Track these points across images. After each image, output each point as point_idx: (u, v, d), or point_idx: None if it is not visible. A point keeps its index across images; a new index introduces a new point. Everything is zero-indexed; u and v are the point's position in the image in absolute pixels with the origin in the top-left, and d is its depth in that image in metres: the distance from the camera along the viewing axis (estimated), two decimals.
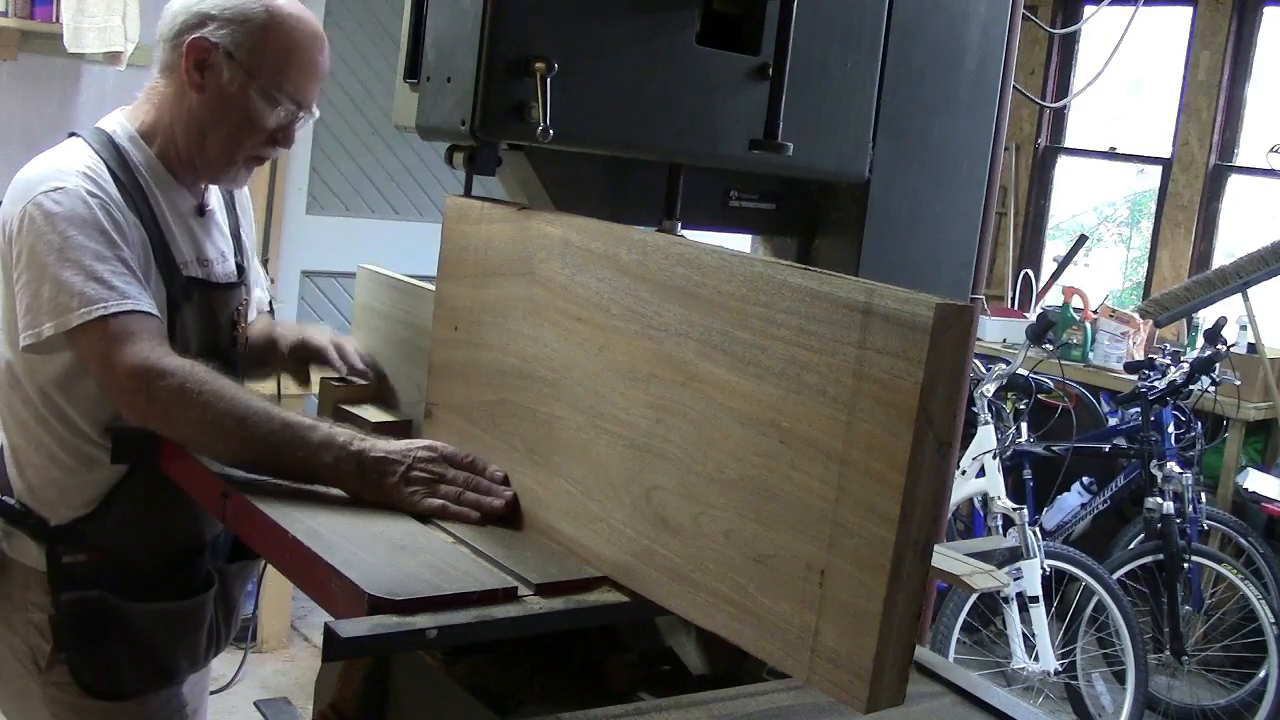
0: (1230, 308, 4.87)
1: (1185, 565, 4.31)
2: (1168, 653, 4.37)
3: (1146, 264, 6.13)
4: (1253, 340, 4.93)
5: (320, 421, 1.65)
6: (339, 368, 2.05)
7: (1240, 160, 5.79)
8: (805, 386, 1.20)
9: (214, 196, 2.00)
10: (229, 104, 1.82)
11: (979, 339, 5.01)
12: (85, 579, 1.83)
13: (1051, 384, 4.71)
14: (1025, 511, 4.01)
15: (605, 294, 1.45)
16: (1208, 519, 4.52)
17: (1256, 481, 4.78)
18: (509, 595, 1.37)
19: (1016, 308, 6.04)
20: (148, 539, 1.89)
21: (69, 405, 1.82)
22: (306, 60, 1.84)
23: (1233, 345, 4.78)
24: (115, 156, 1.83)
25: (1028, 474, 4.80)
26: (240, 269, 2.02)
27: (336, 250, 4.89)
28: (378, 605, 1.30)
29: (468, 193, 1.77)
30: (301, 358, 2.10)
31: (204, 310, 1.90)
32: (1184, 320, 5.31)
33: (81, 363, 1.75)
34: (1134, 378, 4.66)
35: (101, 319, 1.68)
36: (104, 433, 1.82)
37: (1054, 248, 6.46)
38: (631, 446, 1.40)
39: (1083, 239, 6.15)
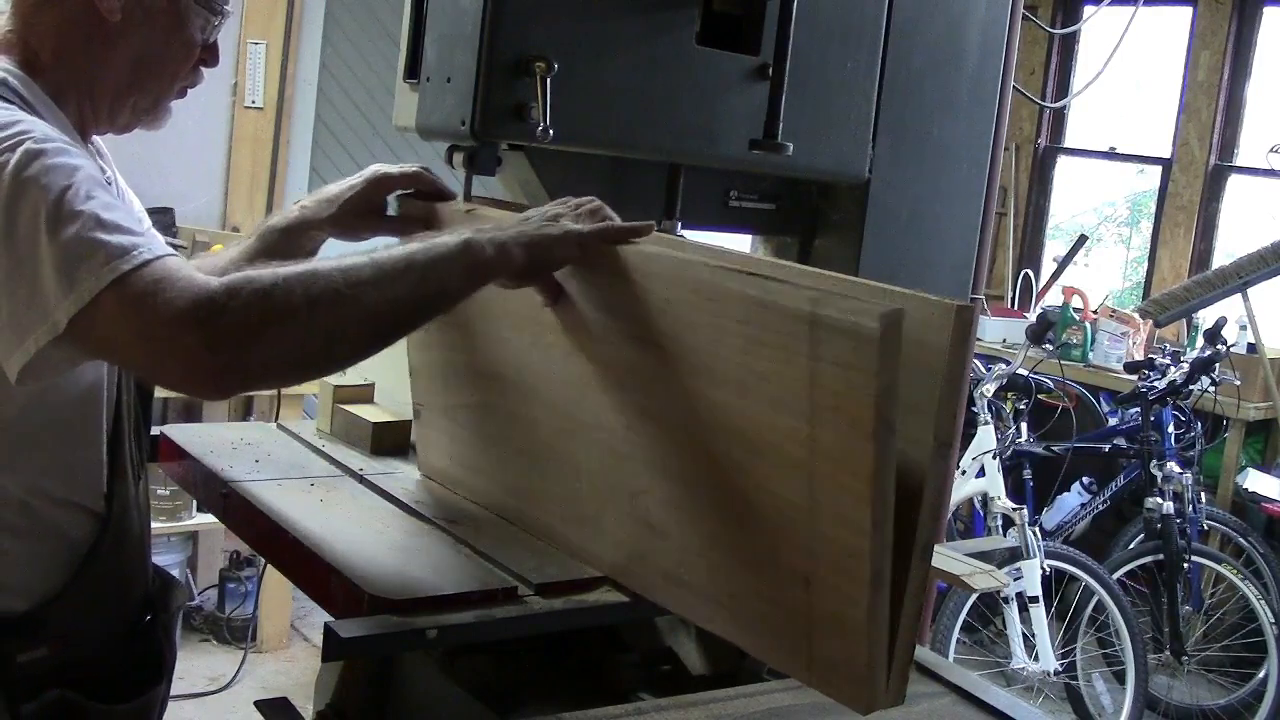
0: (1230, 308, 4.87)
1: (1185, 565, 4.31)
2: (1168, 653, 4.37)
3: (1146, 264, 6.13)
4: (1253, 340, 4.92)
5: (410, 240, 1.35)
6: (443, 188, 1.66)
7: (1240, 160, 5.79)
8: (765, 397, 1.16)
9: (109, 162, 1.63)
10: (160, 23, 1.47)
11: (979, 339, 5.01)
12: (47, 679, 1.42)
13: (1051, 384, 4.71)
14: (1025, 511, 4.01)
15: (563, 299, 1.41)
16: (1208, 519, 4.52)
17: (1256, 481, 4.78)
18: (509, 595, 1.37)
19: (1016, 308, 6.03)
20: (111, 614, 1.52)
21: (28, 452, 1.41)
22: None
23: (1233, 345, 4.77)
24: (31, 110, 1.40)
25: (1028, 474, 4.80)
26: None
27: (337, 250, 4.88)
28: (378, 605, 1.30)
29: (467, 193, 1.77)
30: (375, 206, 1.66)
31: None
32: (1184, 320, 5.31)
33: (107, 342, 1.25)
34: (1134, 378, 4.66)
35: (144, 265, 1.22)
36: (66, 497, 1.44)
37: (1054, 248, 6.46)
38: (610, 451, 1.39)
39: (1083, 239, 6.15)
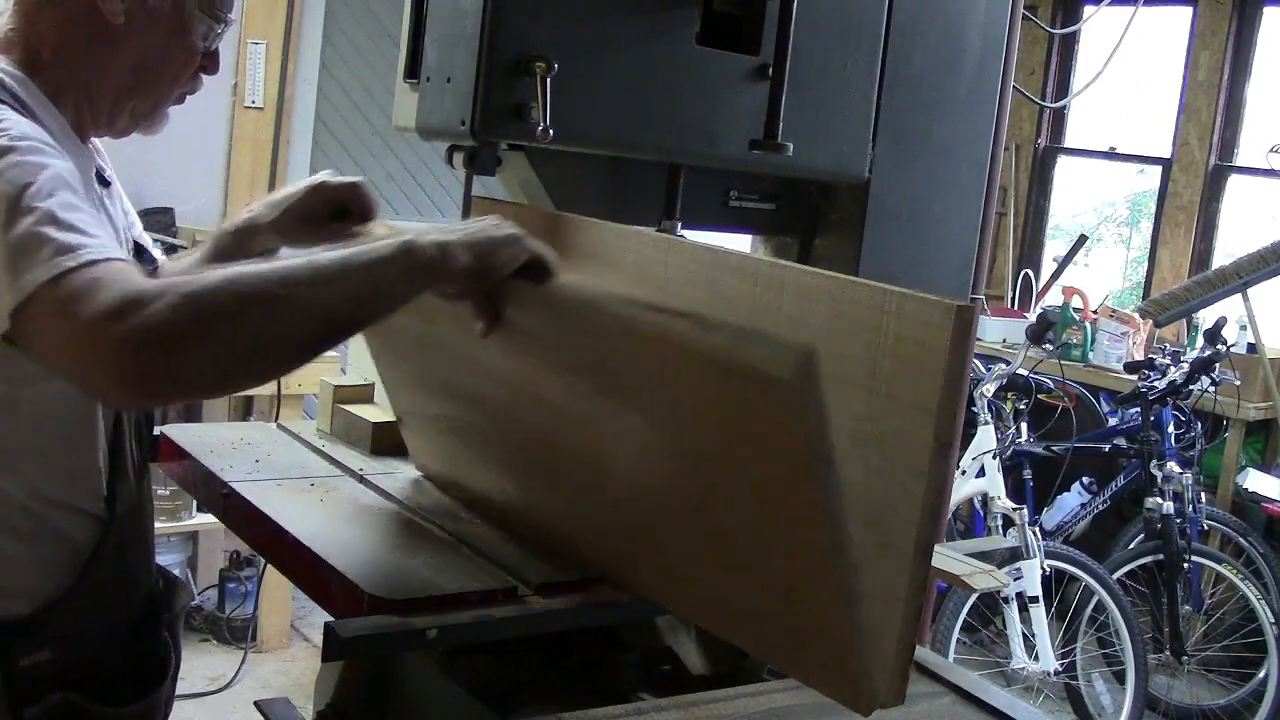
0: (1230, 308, 4.87)
1: (1185, 565, 4.31)
2: (1168, 653, 4.37)
3: (1146, 264, 6.13)
4: (1253, 340, 4.92)
5: (342, 246, 1.28)
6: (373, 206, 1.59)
7: (1240, 160, 5.79)
8: (705, 432, 1.14)
9: (107, 163, 1.61)
10: (164, 28, 1.46)
11: (979, 339, 5.01)
12: (50, 681, 1.40)
13: (1051, 384, 4.71)
14: (1025, 511, 4.01)
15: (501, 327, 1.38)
16: (1208, 519, 4.52)
17: (1256, 481, 4.78)
18: (509, 595, 1.37)
19: (1016, 308, 6.03)
20: (114, 616, 1.51)
21: (28, 454, 1.40)
22: None
23: (1233, 345, 4.77)
24: (24, 109, 1.37)
25: (1028, 474, 4.80)
26: (140, 247, 1.63)
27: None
28: (378, 605, 1.30)
29: (467, 193, 1.77)
30: (314, 213, 1.58)
31: None
32: (1184, 320, 5.31)
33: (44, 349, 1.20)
34: (1134, 378, 4.66)
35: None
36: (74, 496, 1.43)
37: (1054, 248, 6.46)
38: (583, 462, 1.38)
39: (1083, 239, 6.15)
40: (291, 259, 1.22)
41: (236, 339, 1.16)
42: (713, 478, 1.17)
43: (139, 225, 1.68)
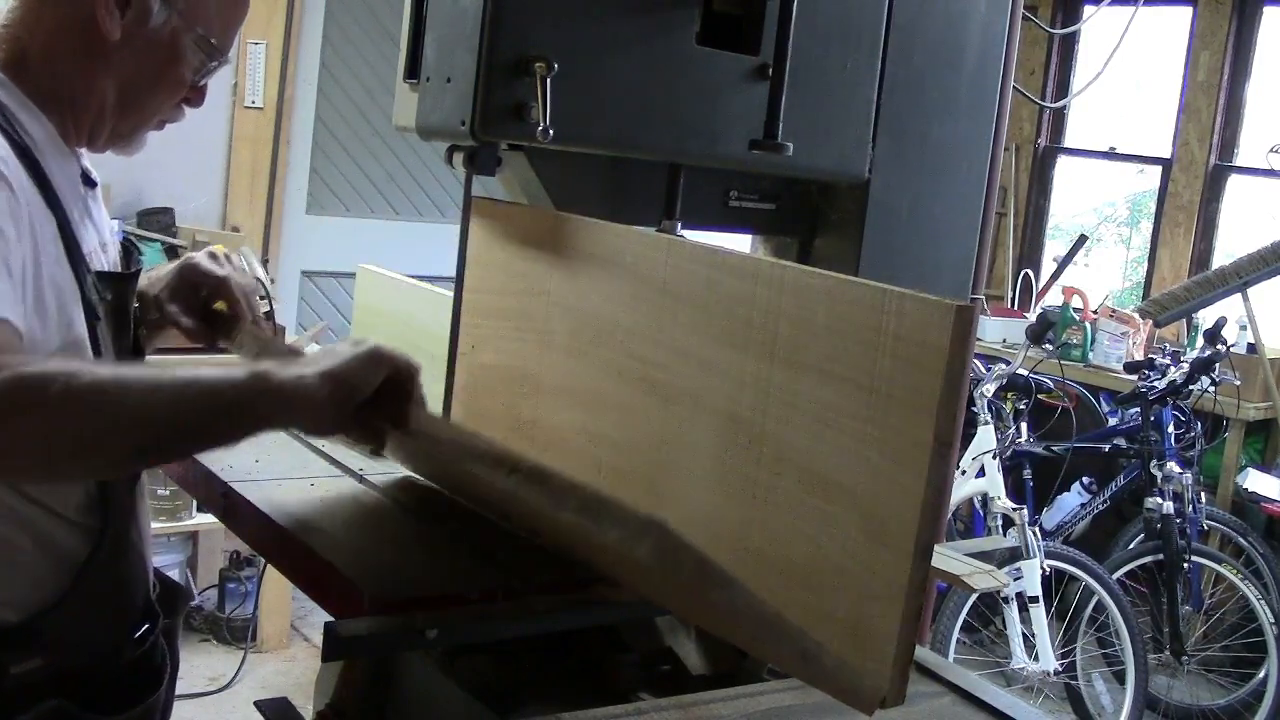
0: (1230, 308, 4.87)
1: (1185, 565, 4.31)
2: (1168, 653, 4.37)
3: (1146, 264, 6.13)
4: (1252, 340, 4.92)
5: (208, 370, 1.26)
6: (247, 313, 1.63)
7: (1240, 160, 5.79)
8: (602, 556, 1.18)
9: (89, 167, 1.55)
10: (158, 55, 1.44)
11: (979, 339, 5.01)
12: (42, 689, 1.38)
13: (1051, 384, 4.71)
14: (1025, 511, 4.01)
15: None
16: (1208, 519, 4.52)
17: (1256, 481, 4.78)
18: (509, 595, 1.37)
19: (1016, 308, 6.03)
20: (110, 623, 1.47)
21: None
22: (244, 4, 1.52)
23: (1232, 345, 4.78)
24: (3, 114, 1.34)
25: (1028, 474, 4.80)
26: (127, 249, 1.58)
27: (336, 250, 4.90)
28: (377, 605, 1.30)
29: (467, 193, 1.77)
30: (189, 298, 1.62)
31: (116, 313, 1.44)
32: (1184, 320, 5.31)
33: None
34: (1134, 378, 4.66)
35: None
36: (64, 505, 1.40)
37: (1054, 248, 6.46)
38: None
39: (1082, 239, 6.15)
40: (141, 367, 1.22)
41: (52, 433, 1.14)
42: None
43: (99, 244, 1.61)
